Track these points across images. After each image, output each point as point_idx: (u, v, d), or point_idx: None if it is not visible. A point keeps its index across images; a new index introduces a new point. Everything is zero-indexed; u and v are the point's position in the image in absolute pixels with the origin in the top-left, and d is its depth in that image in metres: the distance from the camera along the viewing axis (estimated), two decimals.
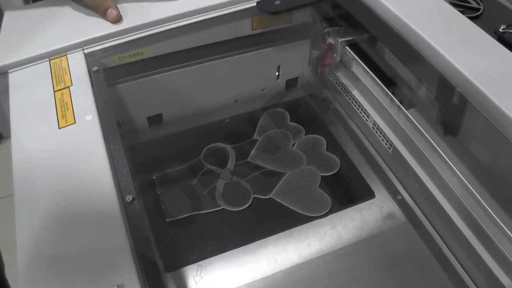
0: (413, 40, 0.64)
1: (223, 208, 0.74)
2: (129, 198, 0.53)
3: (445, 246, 0.67)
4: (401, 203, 0.73)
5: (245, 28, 0.81)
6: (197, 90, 0.86)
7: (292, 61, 0.91)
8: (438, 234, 0.68)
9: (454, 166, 0.62)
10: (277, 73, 0.92)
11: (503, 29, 0.70)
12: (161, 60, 0.78)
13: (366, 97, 0.81)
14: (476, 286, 0.63)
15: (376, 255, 0.67)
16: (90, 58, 0.69)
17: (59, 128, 0.58)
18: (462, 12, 0.68)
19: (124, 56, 0.74)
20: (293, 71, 0.93)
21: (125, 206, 0.52)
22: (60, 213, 0.50)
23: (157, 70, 0.80)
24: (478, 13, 0.76)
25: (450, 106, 0.61)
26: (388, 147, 0.76)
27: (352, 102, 0.84)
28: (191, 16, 0.75)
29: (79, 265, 0.46)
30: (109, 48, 0.71)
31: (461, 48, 0.60)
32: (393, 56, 0.73)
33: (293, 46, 0.89)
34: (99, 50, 0.70)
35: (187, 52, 0.80)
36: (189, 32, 0.76)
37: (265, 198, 0.76)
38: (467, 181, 0.60)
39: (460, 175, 0.61)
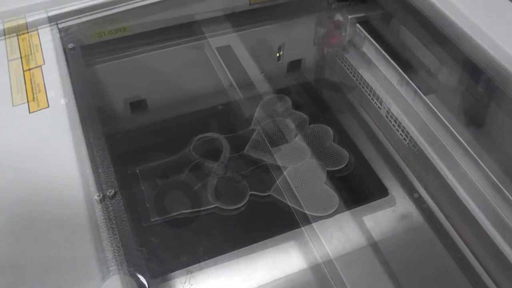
0: (434, 17, 0.63)
1: (216, 207, 0.73)
2: (110, 192, 0.52)
3: (469, 251, 0.67)
4: (419, 202, 0.73)
5: (241, 2, 0.81)
6: (186, 73, 0.86)
7: (295, 40, 0.91)
8: (461, 238, 0.68)
9: (481, 161, 0.61)
10: (278, 54, 0.91)
11: None
12: (145, 37, 0.78)
13: (379, 81, 0.80)
14: None
15: (390, 260, 0.67)
16: (65, 34, 0.69)
17: (29, 113, 0.58)
18: None
19: (104, 33, 0.73)
20: (296, 52, 0.93)
21: (106, 201, 0.51)
22: (31, 209, 0.49)
23: (141, 49, 0.79)
24: None
25: (477, 93, 0.60)
26: (404, 139, 0.75)
27: (363, 88, 0.84)
28: None
29: (53, 271, 0.45)
30: (87, 23, 0.71)
31: (492, 28, 0.59)
32: (411, 35, 0.73)
33: (296, 24, 0.88)
34: (75, 24, 0.70)
35: (175, 29, 0.79)
36: (177, 6, 0.76)
37: (264, 195, 0.75)
38: (496, 178, 0.59)
39: (488, 171, 0.60)
